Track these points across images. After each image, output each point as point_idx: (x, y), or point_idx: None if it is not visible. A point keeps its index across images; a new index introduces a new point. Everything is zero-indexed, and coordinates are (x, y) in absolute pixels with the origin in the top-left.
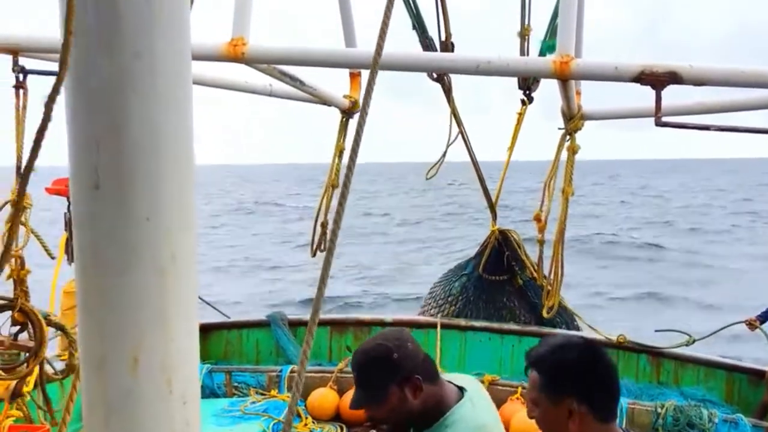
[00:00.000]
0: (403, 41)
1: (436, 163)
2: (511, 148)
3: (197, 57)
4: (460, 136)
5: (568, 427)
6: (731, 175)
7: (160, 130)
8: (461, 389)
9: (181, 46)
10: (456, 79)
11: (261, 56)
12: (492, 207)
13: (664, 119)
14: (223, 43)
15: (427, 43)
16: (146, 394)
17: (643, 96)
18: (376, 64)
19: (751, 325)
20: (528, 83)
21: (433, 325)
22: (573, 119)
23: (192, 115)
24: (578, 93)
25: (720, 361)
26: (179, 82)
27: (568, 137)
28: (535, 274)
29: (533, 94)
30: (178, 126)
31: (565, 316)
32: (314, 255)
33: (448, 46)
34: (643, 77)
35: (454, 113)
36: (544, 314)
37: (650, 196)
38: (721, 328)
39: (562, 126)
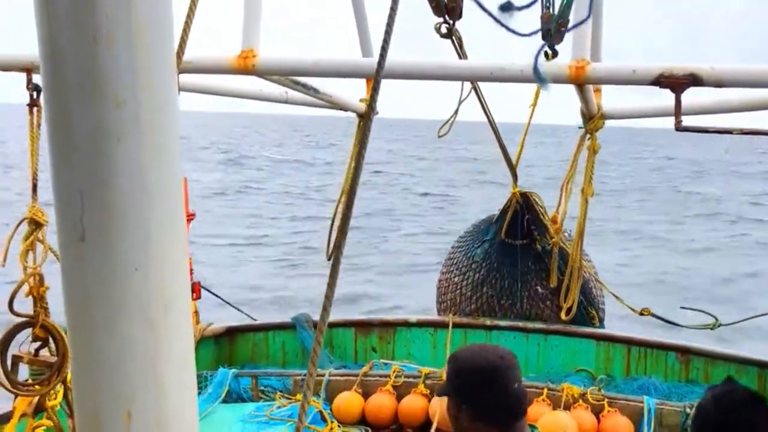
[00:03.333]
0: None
1: (447, 120)
2: (533, 105)
3: (207, 70)
4: (473, 92)
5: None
6: None
7: (147, 179)
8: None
9: (167, 94)
10: (470, 32)
11: (271, 68)
12: (512, 168)
13: (685, 122)
14: (233, 55)
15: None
16: None
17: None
18: (379, 74)
19: None
20: (551, 33)
21: (460, 325)
22: (593, 119)
23: (180, 162)
24: (597, 91)
25: (751, 358)
26: (166, 129)
27: (588, 136)
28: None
29: (558, 47)
30: (166, 174)
31: (590, 300)
32: (329, 258)
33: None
34: (662, 80)
35: None
36: (563, 317)
37: None
38: (750, 318)
39: (582, 125)
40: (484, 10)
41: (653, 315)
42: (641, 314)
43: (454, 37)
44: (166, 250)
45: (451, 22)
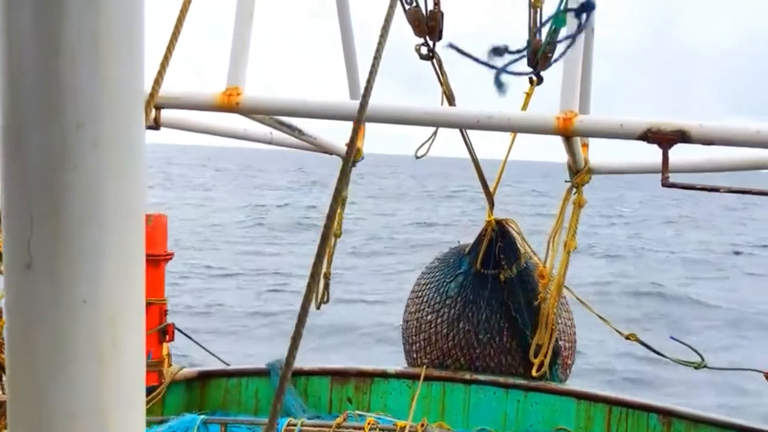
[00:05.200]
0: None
1: (426, 141)
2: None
3: (191, 106)
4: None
5: None
6: None
7: (104, 207)
8: None
9: (131, 119)
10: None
11: (256, 107)
12: (489, 195)
13: (672, 179)
14: (218, 92)
15: (413, 12)
16: None
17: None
18: (361, 117)
19: None
20: (536, 58)
21: (439, 378)
22: (579, 173)
23: (143, 193)
24: (585, 146)
25: (734, 423)
26: (127, 156)
27: (574, 191)
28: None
29: (543, 74)
30: (125, 204)
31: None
32: (318, 308)
33: (436, 15)
34: (650, 135)
35: (447, 95)
36: (533, 373)
37: None
38: (735, 369)
39: (568, 179)
40: (466, 54)
41: (639, 341)
42: (627, 338)
43: (434, 59)
44: (121, 284)
45: (431, 43)
